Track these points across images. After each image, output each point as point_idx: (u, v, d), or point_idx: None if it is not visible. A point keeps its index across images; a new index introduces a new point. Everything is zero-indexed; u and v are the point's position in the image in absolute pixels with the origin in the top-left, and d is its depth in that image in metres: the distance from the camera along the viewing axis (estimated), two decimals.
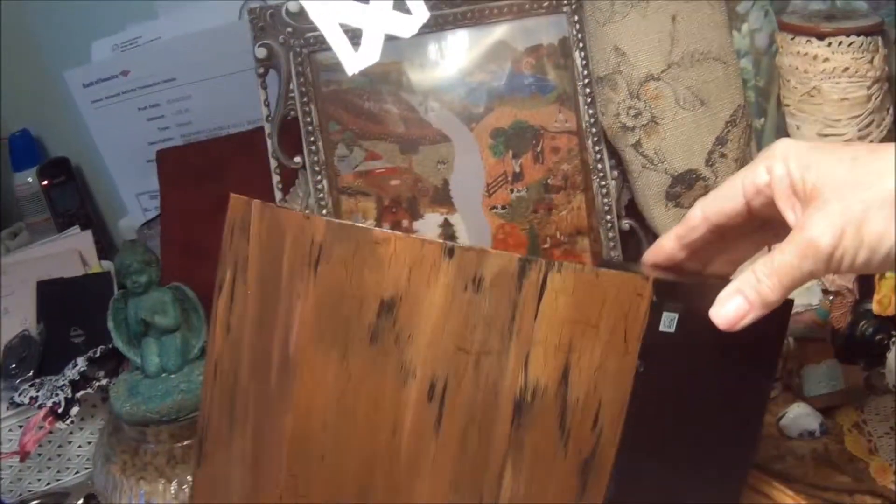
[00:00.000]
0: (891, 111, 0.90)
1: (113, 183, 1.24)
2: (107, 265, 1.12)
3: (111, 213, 1.35)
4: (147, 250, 0.84)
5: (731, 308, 0.51)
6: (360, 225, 0.53)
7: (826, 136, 0.88)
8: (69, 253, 1.14)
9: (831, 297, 0.89)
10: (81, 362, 0.90)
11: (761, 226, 0.58)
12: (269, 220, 0.54)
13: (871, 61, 0.84)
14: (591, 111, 0.94)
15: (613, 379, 0.50)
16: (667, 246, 0.61)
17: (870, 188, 0.48)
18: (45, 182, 1.28)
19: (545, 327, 0.49)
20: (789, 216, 0.52)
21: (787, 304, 0.57)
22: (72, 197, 1.29)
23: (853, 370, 0.87)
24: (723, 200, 0.56)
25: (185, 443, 0.81)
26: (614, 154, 0.95)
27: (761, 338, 0.56)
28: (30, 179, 1.29)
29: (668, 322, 0.50)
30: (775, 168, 0.52)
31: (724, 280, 0.54)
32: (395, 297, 0.49)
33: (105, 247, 1.28)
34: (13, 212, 1.35)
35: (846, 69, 0.84)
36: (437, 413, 0.49)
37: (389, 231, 0.50)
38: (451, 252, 0.49)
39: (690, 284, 0.55)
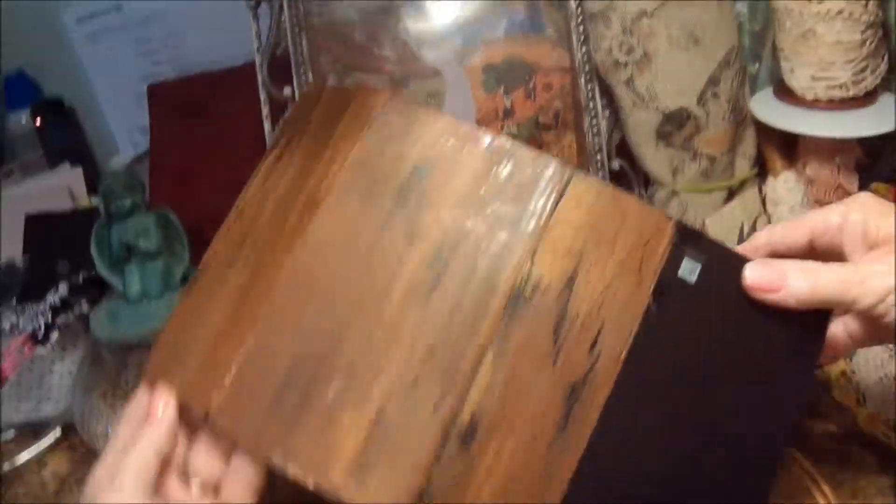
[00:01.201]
0: (885, 59, 0.89)
1: (106, 122, 1.24)
2: (96, 201, 1.11)
3: (105, 153, 1.34)
4: (131, 175, 0.84)
5: (766, 274, 0.51)
6: (423, 106, 0.56)
7: (820, 79, 0.87)
8: (59, 189, 1.13)
9: None
10: (63, 287, 0.89)
11: None
12: (337, 96, 0.56)
13: (865, 4, 0.84)
14: (584, 49, 0.92)
15: (621, 306, 0.48)
16: None
17: None
18: (39, 121, 1.27)
19: (560, 227, 0.48)
20: (854, 259, 0.54)
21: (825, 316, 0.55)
22: (64, 136, 1.28)
23: None
24: (789, 231, 0.57)
25: None
26: (606, 93, 0.94)
27: (797, 345, 0.53)
28: (23, 119, 1.28)
29: (690, 270, 0.49)
30: (851, 213, 0.54)
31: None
32: (429, 166, 0.50)
33: (97, 186, 1.27)
34: (6, 151, 1.34)
35: (840, 11, 0.84)
36: (432, 280, 0.49)
37: (442, 113, 0.51)
38: (490, 139, 0.50)
39: (723, 246, 0.52)
